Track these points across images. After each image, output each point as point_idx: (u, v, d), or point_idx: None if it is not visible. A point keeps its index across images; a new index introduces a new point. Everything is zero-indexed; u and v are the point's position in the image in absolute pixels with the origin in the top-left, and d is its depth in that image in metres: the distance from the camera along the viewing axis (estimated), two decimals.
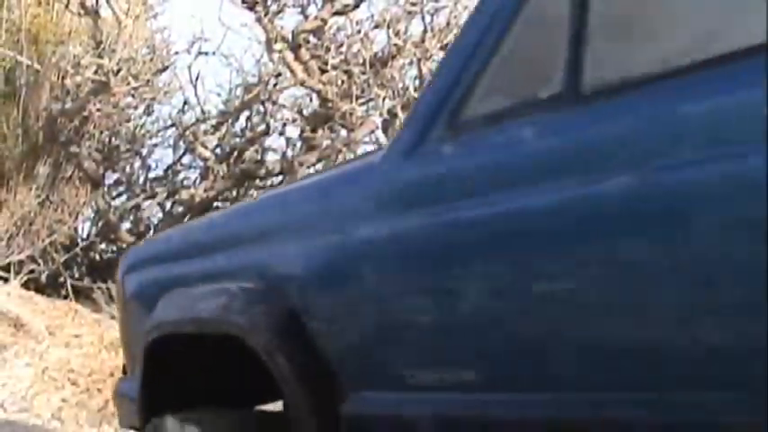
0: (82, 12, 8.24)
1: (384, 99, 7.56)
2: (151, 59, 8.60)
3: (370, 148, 7.54)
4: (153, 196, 9.47)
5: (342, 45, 8.38)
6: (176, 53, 9.05)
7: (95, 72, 8.18)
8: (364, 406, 2.00)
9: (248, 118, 9.27)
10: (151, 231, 9.29)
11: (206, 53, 8.93)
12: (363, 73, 7.65)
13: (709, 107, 1.44)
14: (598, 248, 1.58)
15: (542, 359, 1.67)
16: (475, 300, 1.76)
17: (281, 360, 2.04)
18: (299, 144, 8.91)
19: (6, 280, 8.16)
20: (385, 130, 7.46)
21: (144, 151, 9.80)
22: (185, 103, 9.21)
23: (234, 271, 2.24)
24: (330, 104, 7.76)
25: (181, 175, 9.91)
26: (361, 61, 7.82)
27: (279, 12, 8.35)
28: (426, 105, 1.93)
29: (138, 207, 9.65)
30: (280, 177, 9.01)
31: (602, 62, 1.65)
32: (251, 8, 8.10)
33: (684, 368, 1.47)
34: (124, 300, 2.76)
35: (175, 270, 2.50)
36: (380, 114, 7.60)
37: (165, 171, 9.87)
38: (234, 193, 9.06)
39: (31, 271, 8.57)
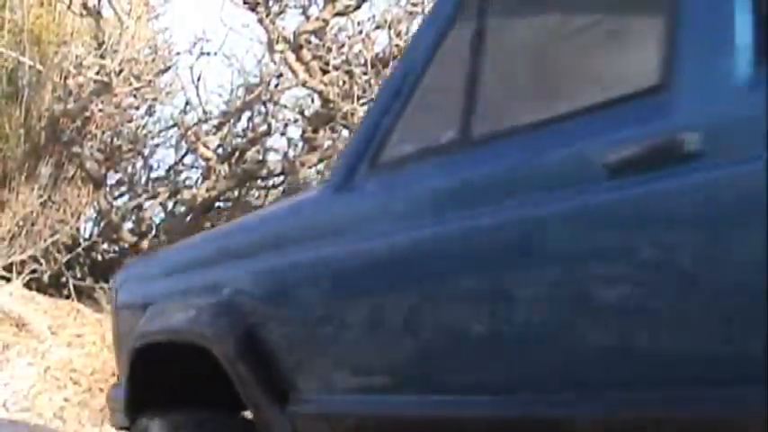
0: (84, 12, 8.26)
1: None
2: (153, 60, 8.61)
3: None
4: (155, 196, 9.49)
5: (343, 46, 8.40)
6: (178, 54, 9.05)
7: (97, 72, 8.19)
8: (312, 407, 2.30)
9: (250, 118, 9.27)
10: (153, 231, 9.31)
11: (208, 54, 8.95)
12: (365, 73, 7.67)
13: (561, 153, 1.81)
14: (485, 273, 1.91)
15: (446, 367, 2.02)
16: (388, 315, 2.13)
17: (240, 367, 2.35)
18: (300, 144, 8.93)
19: (9, 280, 8.18)
20: None
21: (146, 151, 9.80)
22: (187, 103, 9.20)
23: (203, 289, 2.56)
24: (332, 105, 7.78)
25: (183, 176, 9.92)
26: (362, 62, 7.84)
27: (280, 12, 8.36)
28: (353, 148, 2.29)
29: (140, 207, 9.66)
30: (281, 177, 9.04)
31: (488, 113, 2.01)
32: (252, 9, 8.11)
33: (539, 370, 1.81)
34: (116, 310, 3.09)
35: (159, 286, 2.85)
36: None
37: (167, 171, 9.88)
38: (235, 193, 9.09)
39: (34, 271, 8.60)
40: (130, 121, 9.50)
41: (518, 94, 2.04)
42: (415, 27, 8.02)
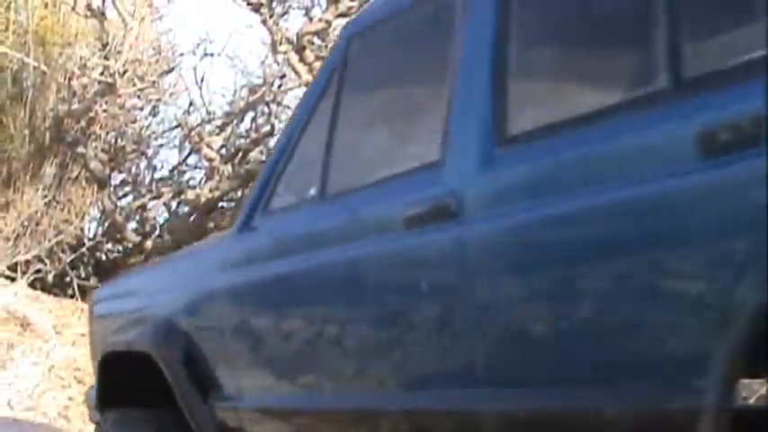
0: (88, 14, 8.29)
1: None
2: (157, 61, 8.65)
3: None
4: (159, 196, 9.52)
5: None
6: (182, 55, 9.12)
7: (102, 73, 8.25)
8: (227, 403, 2.83)
9: (253, 119, 9.33)
10: (157, 231, 9.35)
11: (211, 55, 9.02)
12: None
13: (376, 208, 2.39)
14: (337, 298, 2.50)
15: (317, 370, 2.58)
16: (274, 329, 2.74)
17: (174, 369, 2.89)
18: None
19: (13, 279, 8.22)
20: None
21: (150, 152, 9.85)
22: (191, 104, 9.28)
23: (150, 308, 3.14)
24: None
25: (186, 176, 9.97)
26: None
27: (283, 14, 8.41)
28: (253, 196, 2.81)
29: (143, 207, 9.70)
30: None
31: (336, 175, 2.53)
32: (256, 10, 8.15)
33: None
34: (91, 323, 3.57)
35: (122, 305, 3.40)
36: None
37: (171, 171, 9.93)
38: (239, 193, 9.11)
39: (38, 270, 8.63)
40: (134, 122, 9.54)
41: (353, 161, 2.63)
42: None
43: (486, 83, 2.11)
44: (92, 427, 3.89)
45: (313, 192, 2.62)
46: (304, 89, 8.33)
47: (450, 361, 2.16)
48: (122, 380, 3.21)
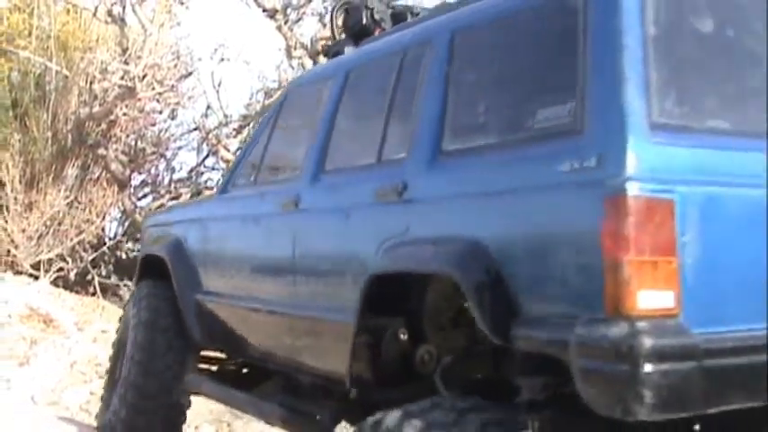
0: (109, 20, 8.41)
1: None
2: (175, 66, 8.82)
3: None
4: (177, 197, 9.66)
5: None
6: (199, 59, 9.32)
7: (122, 78, 8.40)
8: (211, 290, 4.07)
9: None
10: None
11: (228, 60, 9.17)
12: None
13: (268, 201, 3.62)
14: (245, 245, 3.92)
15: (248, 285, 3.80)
16: (221, 246, 4.04)
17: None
18: None
19: (37, 277, 8.42)
20: None
21: (168, 154, 10.04)
22: (208, 107, 9.46)
23: (169, 228, 4.59)
24: None
25: (204, 177, 10.14)
26: None
27: (298, 20, 8.58)
28: (229, 174, 4.24)
29: (162, 207, 9.86)
30: None
31: (261, 173, 3.92)
32: (271, 16, 8.32)
33: None
34: (141, 237, 5.28)
35: (160, 226, 4.79)
36: None
37: (189, 173, 10.12)
38: None
39: (60, 269, 8.86)
40: (154, 125, 9.73)
41: (267, 167, 3.82)
42: None
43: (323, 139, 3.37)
44: None
45: (252, 179, 3.88)
46: None
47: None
48: (154, 268, 4.49)
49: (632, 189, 2.04)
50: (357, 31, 3.70)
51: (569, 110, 2.25)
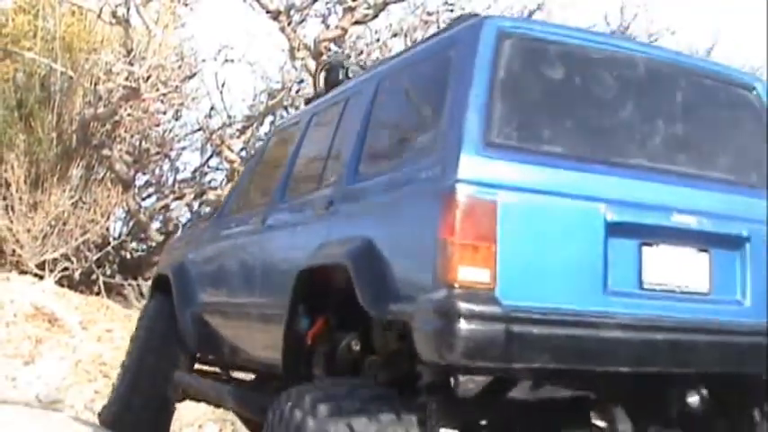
0: (113, 21, 8.43)
1: None
2: (179, 67, 8.85)
3: None
4: (181, 197, 9.73)
5: (361, 53, 8.64)
6: (203, 61, 9.36)
7: (126, 79, 8.42)
8: (203, 301, 4.56)
9: (272, 122, 9.55)
10: (179, 230, 9.55)
11: (232, 61, 9.23)
12: None
13: (246, 222, 4.29)
14: (235, 257, 4.36)
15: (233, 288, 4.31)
16: (220, 265, 4.45)
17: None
18: None
19: (42, 277, 8.43)
20: None
21: (173, 154, 10.09)
22: (212, 108, 9.52)
23: (176, 253, 5.15)
24: None
25: (208, 177, 10.21)
26: None
27: (301, 21, 8.62)
28: (225, 204, 4.79)
29: (167, 207, 9.91)
30: None
31: (246, 204, 4.49)
32: (275, 18, 8.37)
33: None
34: (162, 255, 5.83)
35: (178, 245, 5.41)
36: None
37: (193, 173, 10.17)
38: None
39: (65, 268, 8.88)
40: (158, 126, 9.77)
41: (250, 199, 4.42)
42: (429, 35, 8.25)
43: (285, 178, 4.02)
44: None
45: (238, 206, 4.49)
46: None
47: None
48: (162, 284, 4.99)
49: (460, 189, 2.64)
50: (335, 85, 4.24)
51: (434, 135, 2.88)
